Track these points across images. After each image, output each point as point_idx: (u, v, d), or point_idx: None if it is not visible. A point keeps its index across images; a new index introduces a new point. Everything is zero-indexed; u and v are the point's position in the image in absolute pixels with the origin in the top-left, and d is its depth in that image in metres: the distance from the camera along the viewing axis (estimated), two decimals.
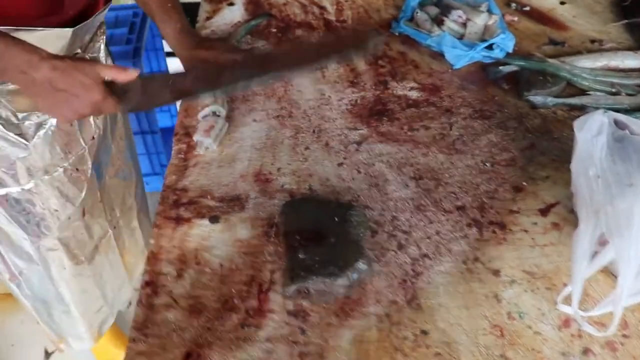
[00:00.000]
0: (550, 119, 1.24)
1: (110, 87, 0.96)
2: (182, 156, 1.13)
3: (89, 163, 1.29)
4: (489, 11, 1.47)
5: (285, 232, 0.95)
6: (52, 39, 1.04)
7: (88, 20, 1.08)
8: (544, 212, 1.05)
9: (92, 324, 1.58)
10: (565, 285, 0.94)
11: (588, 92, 1.31)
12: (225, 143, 1.16)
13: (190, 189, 1.07)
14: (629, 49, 1.45)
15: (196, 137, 1.12)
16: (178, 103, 2.38)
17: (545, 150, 1.17)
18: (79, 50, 1.17)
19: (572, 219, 1.04)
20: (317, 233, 0.94)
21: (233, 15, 1.51)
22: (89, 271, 1.45)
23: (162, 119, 2.42)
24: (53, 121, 1.14)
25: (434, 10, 1.47)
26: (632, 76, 1.34)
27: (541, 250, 0.99)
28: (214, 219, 1.01)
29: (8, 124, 1.08)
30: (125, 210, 1.56)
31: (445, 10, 1.45)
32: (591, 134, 0.97)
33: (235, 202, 1.04)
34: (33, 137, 1.13)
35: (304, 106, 1.25)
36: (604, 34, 1.51)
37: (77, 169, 1.26)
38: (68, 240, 1.34)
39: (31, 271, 1.37)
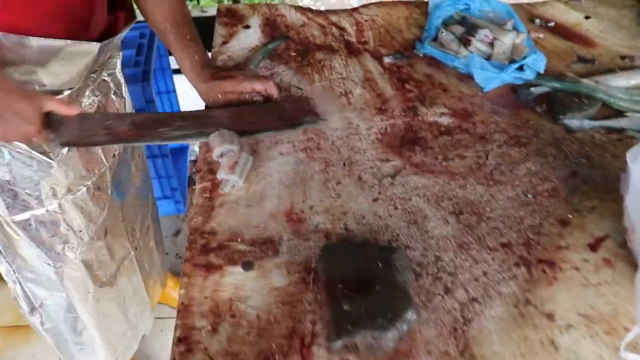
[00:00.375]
0: (588, 144, 1.19)
1: (47, 117, 0.98)
2: (208, 195, 1.07)
3: (109, 181, 1.28)
4: (515, 29, 1.41)
5: (327, 280, 0.89)
6: (79, 54, 1.04)
7: (114, 37, 1.09)
8: (593, 247, 1.00)
9: (116, 350, 1.53)
10: (626, 329, 0.88)
11: (625, 114, 1.25)
12: (252, 179, 1.10)
13: (218, 232, 1.01)
14: None
15: (220, 175, 1.06)
16: None
17: (588, 179, 1.11)
18: (98, 69, 1.17)
19: (624, 255, 0.98)
20: (361, 281, 0.87)
21: (250, 38, 1.45)
22: (112, 294, 1.43)
23: None
24: None
25: (458, 30, 1.41)
26: None
27: (595, 290, 0.93)
28: (247, 266, 0.95)
29: (32, 143, 1.07)
30: (144, 231, 1.53)
31: (471, 29, 1.40)
32: None
33: (268, 246, 0.98)
34: (57, 156, 1.13)
35: (331, 137, 1.19)
36: (634, 50, 1.46)
37: (98, 188, 1.26)
38: (91, 262, 1.32)
39: (53, 300, 1.33)
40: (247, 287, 0.92)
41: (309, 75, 1.35)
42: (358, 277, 0.88)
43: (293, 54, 1.41)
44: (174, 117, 1.10)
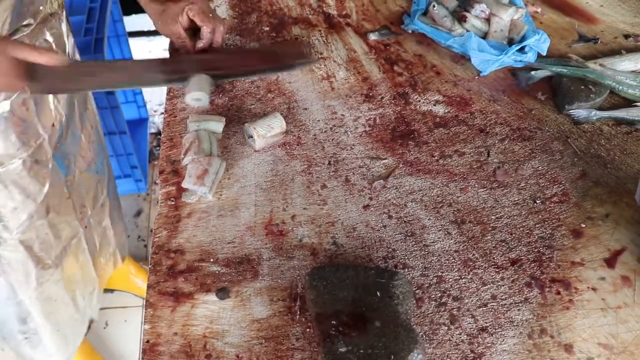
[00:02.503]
0: (597, 138, 1.07)
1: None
2: (173, 202, 0.92)
3: (49, 154, 1.15)
4: (512, 2, 1.28)
5: (318, 314, 0.76)
6: None
7: None
8: (610, 262, 0.89)
9: (66, 338, 1.40)
10: None
11: (635, 103, 1.14)
12: (224, 182, 0.95)
13: (187, 250, 0.86)
14: None
15: (186, 185, 0.91)
16: (146, 93, 2.15)
17: (599, 180, 1.00)
18: (31, 20, 1.00)
19: None
20: (357, 316, 0.75)
21: (217, 11, 1.28)
22: (57, 275, 1.31)
23: (128, 111, 2.16)
24: (5, 106, 1.00)
25: (452, 3, 1.27)
26: None
27: (615, 314, 0.83)
28: (222, 293, 0.81)
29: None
30: (97, 208, 1.39)
31: (466, 3, 1.25)
32: None
33: (245, 266, 0.85)
34: None
35: (313, 129, 1.04)
36: (637, 27, 1.34)
37: (36, 161, 1.12)
38: (31, 243, 1.20)
39: None
40: (224, 320, 0.79)
41: None
42: (354, 310, 0.76)
43: (266, 28, 1.25)
44: (166, 60, 1.07)
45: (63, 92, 1.08)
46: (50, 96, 1.11)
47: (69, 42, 1.17)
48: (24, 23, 1.00)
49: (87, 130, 1.32)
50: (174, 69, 1.01)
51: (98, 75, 0.98)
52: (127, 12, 2.19)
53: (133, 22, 2.42)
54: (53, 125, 1.14)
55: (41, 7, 1.03)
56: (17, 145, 1.06)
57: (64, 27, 1.14)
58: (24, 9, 0.98)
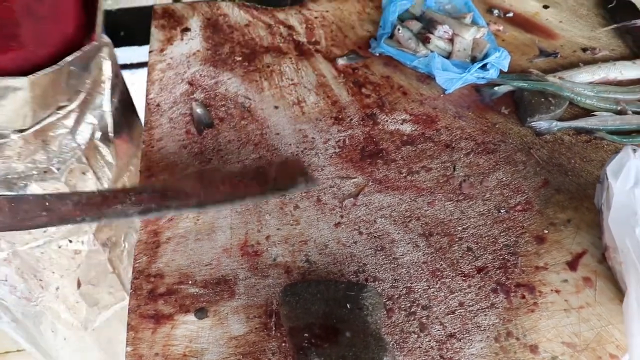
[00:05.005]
0: (558, 148, 1.12)
1: None
2: (151, 229, 0.96)
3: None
4: (474, 22, 1.33)
5: (291, 328, 0.79)
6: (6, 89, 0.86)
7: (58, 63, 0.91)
8: (572, 265, 0.93)
9: None
10: (612, 357, 0.82)
11: (593, 112, 1.19)
12: None
13: (166, 274, 0.90)
14: (622, 56, 1.35)
15: None
16: None
17: (561, 187, 1.05)
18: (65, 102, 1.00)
19: (602, 271, 0.93)
20: (329, 328, 0.78)
21: (191, 43, 1.33)
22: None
23: None
24: None
25: (416, 25, 1.32)
26: (635, 90, 1.23)
27: (578, 314, 0.87)
28: (200, 313, 0.84)
29: None
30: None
31: (429, 25, 1.31)
32: (629, 184, 0.85)
33: (222, 287, 0.88)
34: None
35: (285, 153, 1.09)
36: (594, 41, 1.40)
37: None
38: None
39: None
40: (203, 339, 0.82)
41: (258, 82, 1.23)
42: (325, 323, 0.79)
43: (238, 58, 1.30)
44: (128, 192, 0.94)
45: (20, 229, 0.99)
46: None
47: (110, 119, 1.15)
48: (61, 104, 1.01)
49: None
50: (155, 197, 0.94)
51: (54, 210, 0.88)
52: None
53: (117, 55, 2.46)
54: None
55: (80, 88, 1.03)
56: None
57: (106, 102, 1.11)
58: (49, 100, 0.96)
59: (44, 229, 1.07)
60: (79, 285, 1.20)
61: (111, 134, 1.15)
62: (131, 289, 0.88)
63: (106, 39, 1.13)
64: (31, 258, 1.10)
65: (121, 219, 0.88)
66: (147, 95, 1.18)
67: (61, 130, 1.05)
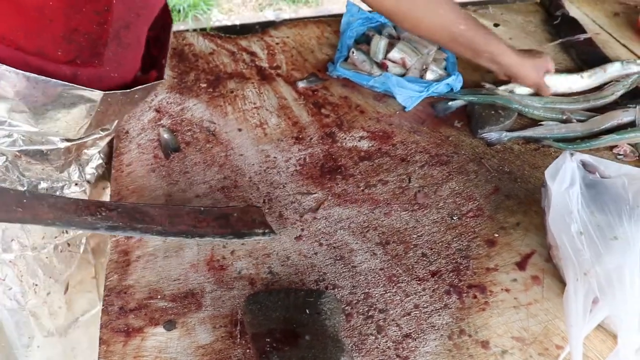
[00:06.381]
0: (507, 157, 1.19)
1: None
2: (122, 249, 1.00)
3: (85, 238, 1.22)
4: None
5: (254, 334, 0.84)
6: (78, 99, 0.90)
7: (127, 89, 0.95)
8: (521, 265, 0.99)
9: None
10: (558, 347, 0.88)
11: (540, 122, 1.26)
12: None
13: (136, 290, 0.94)
14: (568, 69, 1.43)
15: None
16: None
17: (510, 193, 1.11)
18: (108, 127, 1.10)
19: (550, 269, 0.98)
20: (289, 332, 0.83)
21: None
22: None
23: None
24: None
25: (382, 41, 1.40)
26: (580, 100, 1.31)
27: (526, 310, 0.92)
28: (169, 325, 0.89)
29: None
30: None
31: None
32: (565, 185, 0.91)
33: (190, 300, 0.93)
34: None
35: (248, 173, 1.14)
36: None
37: (69, 244, 1.19)
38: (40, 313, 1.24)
39: None
40: (172, 349, 0.87)
41: (222, 107, 1.29)
42: (285, 328, 0.84)
43: (203, 85, 1.36)
44: (101, 206, 0.98)
45: None
46: None
47: None
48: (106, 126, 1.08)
49: None
50: (123, 217, 0.98)
51: (30, 208, 0.93)
52: None
53: None
54: None
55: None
56: (56, 234, 1.13)
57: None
58: (105, 119, 1.00)
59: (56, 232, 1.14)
60: (66, 289, 1.23)
61: None
62: (103, 305, 0.92)
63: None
64: (37, 262, 1.14)
65: (89, 230, 0.94)
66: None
67: (94, 150, 1.14)
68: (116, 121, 1.14)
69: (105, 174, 1.20)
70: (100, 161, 1.17)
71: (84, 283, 1.28)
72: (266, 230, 1.01)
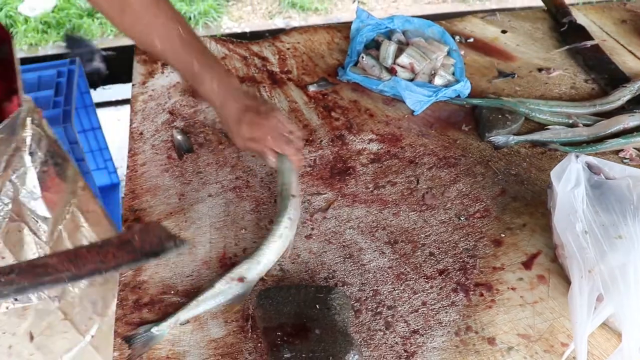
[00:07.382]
0: (514, 160, 1.21)
1: None
2: None
3: None
4: (444, 41, 1.44)
5: (265, 328, 0.86)
6: None
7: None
8: (527, 265, 1.01)
9: None
10: (563, 345, 0.89)
11: (547, 126, 1.28)
12: (182, 225, 1.06)
13: (150, 285, 0.97)
14: (575, 74, 1.45)
15: None
16: (117, 160, 2.26)
17: (517, 195, 1.13)
18: None
19: (556, 269, 1.00)
20: (299, 326, 0.85)
21: (171, 76, 1.41)
22: None
23: (100, 178, 2.28)
24: None
25: (391, 46, 1.42)
26: (585, 105, 1.33)
27: (532, 308, 0.94)
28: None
29: None
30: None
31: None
32: (570, 185, 0.93)
33: None
34: None
35: (260, 173, 1.17)
36: (549, 61, 1.50)
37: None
38: None
39: None
40: (184, 342, 0.89)
41: None
42: (296, 322, 0.86)
43: None
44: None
45: None
46: None
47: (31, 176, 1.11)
48: None
49: None
50: (26, 275, 0.89)
51: None
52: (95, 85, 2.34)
53: (100, 93, 2.57)
54: None
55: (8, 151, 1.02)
56: None
57: (28, 158, 1.08)
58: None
59: None
60: (31, 338, 1.21)
61: (36, 188, 1.12)
62: (117, 300, 0.94)
63: (26, 97, 1.10)
64: None
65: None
66: (130, 124, 1.26)
67: None
68: (5, 157, 1.03)
69: (13, 216, 1.09)
70: (2, 204, 1.07)
71: (54, 327, 1.22)
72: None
